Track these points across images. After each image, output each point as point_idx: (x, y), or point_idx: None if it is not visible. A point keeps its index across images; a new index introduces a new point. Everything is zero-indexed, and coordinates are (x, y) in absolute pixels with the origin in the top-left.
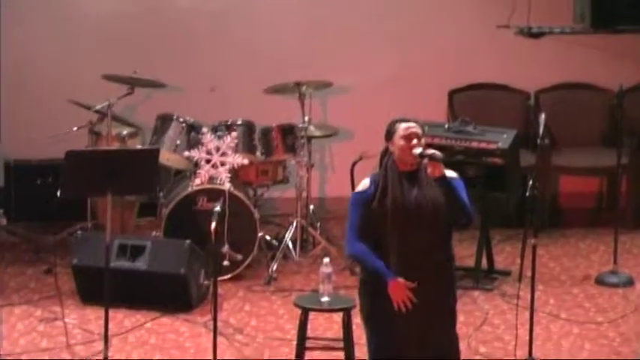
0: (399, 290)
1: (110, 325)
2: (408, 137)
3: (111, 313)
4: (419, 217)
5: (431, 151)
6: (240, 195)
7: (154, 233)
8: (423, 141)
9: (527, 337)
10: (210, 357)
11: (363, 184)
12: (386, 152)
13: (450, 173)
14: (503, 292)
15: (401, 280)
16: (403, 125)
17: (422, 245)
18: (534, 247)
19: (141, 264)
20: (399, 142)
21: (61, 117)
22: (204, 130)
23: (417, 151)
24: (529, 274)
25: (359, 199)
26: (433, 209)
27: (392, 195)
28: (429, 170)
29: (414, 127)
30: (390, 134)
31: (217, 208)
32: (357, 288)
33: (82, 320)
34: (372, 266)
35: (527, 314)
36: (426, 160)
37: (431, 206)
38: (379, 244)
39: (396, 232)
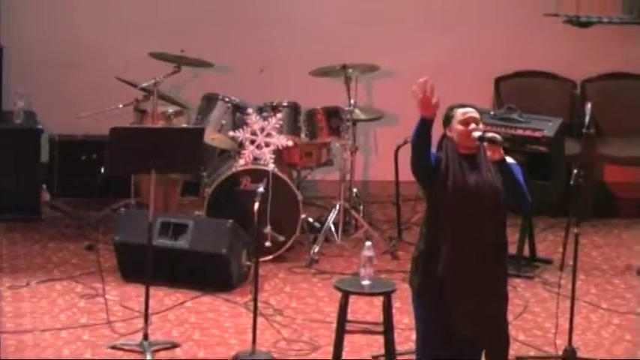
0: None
1: (150, 303)
2: (466, 122)
3: (152, 290)
4: (477, 201)
5: (490, 135)
6: (284, 176)
7: (196, 212)
8: (481, 125)
9: (568, 326)
10: (250, 337)
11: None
12: (444, 138)
13: (509, 159)
14: (544, 281)
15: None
16: (461, 110)
17: (479, 228)
18: (577, 236)
19: (183, 242)
20: (457, 127)
21: (107, 94)
22: (250, 110)
23: (477, 134)
24: (571, 263)
25: None
26: (491, 193)
27: (452, 177)
28: (489, 154)
29: (472, 111)
30: (448, 119)
31: (260, 189)
32: (398, 272)
33: (123, 297)
34: (414, 132)
35: (567, 303)
36: (485, 144)
37: (489, 190)
38: (436, 225)
39: (454, 214)
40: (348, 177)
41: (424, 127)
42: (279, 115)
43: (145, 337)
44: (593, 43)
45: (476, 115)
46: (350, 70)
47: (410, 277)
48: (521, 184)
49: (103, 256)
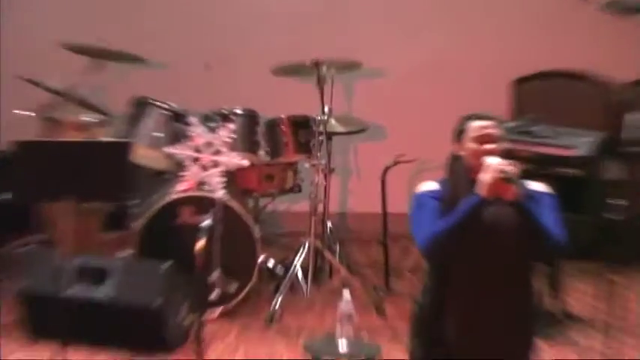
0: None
1: None
2: (481, 139)
3: (67, 354)
4: (493, 239)
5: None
6: (237, 206)
7: (123, 252)
8: (500, 145)
9: None
10: None
11: (429, 184)
12: (455, 156)
13: (539, 187)
14: (574, 343)
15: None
16: (477, 124)
17: (495, 274)
18: (615, 286)
19: (105, 292)
20: (469, 144)
21: (5, 96)
22: (193, 120)
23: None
24: (610, 321)
25: (429, 197)
26: (512, 230)
27: None
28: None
29: (490, 126)
30: (459, 134)
31: (206, 223)
32: (385, 331)
33: None
34: (461, 215)
35: None
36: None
37: (508, 226)
38: (443, 275)
39: (466, 256)
40: (320, 207)
41: (480, 208)
42: (231, 127)
43: None
44: (636, 35)
45: (494, 131)
46: (324, 68)
47: (408, 342)
48: (544, 226)
49: (3, 309)
